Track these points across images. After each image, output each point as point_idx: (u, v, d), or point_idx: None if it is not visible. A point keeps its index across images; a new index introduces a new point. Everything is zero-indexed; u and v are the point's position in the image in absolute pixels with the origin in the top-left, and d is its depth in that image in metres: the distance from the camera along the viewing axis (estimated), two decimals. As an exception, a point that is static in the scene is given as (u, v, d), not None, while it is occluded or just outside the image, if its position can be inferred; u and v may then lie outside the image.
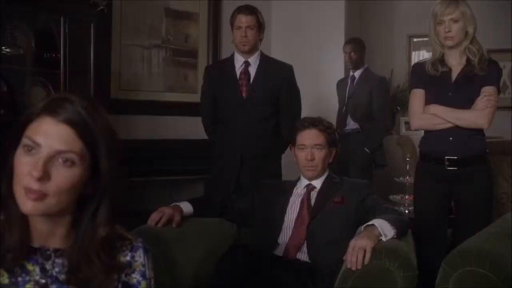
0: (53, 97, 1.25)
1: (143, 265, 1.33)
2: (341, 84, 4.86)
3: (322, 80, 5.02)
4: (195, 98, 3.64)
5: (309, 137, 2.59)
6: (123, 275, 1.29)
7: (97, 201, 1.25)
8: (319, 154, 2.58)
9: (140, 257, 1.33)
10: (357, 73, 4.73)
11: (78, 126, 1.20)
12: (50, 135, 1.18)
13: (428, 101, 2.76)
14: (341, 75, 5.03)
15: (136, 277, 1.31)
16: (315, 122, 2.61)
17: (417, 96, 2.80)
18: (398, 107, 6.05)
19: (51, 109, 1.20)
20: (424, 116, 2.76)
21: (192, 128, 3.91)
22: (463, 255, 1.93)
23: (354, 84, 4.72)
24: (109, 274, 1.25)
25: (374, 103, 4.58)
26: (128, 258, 1.31)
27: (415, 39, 6.44)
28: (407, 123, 6.05)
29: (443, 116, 2.70)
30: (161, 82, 4.45)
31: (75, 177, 1.20)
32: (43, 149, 1.18)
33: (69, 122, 1.19)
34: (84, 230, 1.25)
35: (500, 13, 5.70)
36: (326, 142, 2.60)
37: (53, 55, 3.19)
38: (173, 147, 4.24)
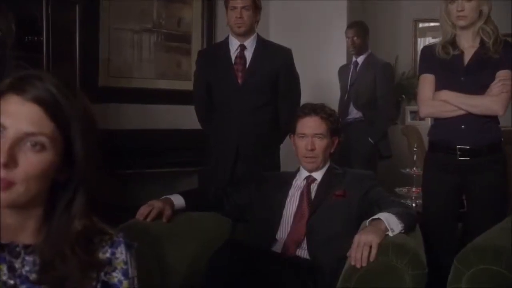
0: (20, 74, 1.16)
1: (125, 263, 1.25)
2: (343, 71, 4.82)
3: (323, 67, 4.96)
4: (189, 85, 3.62)
5: (310, 125, 2.55)
6: (102, 274, 1.21)
7: (72, 190, 1.18)
8: (320, 144, 2.54)
9: (121, 254, 1.25)
10: (360, 59, 4.69)
11: (49, 106, 1.12)
12: (16, 115, 1.10)
13: (438, 87, 2.71)
14: (343, 61, 4.99)
15: (117, 276, 1.24)
16: (317, 109, 2.57)
17: (426, 81, 2.75)
18: (403, 96, 6.04)
19: (18, 87, 1.13)
20: (434, 103, 2.72)
21: (186, 118, 3.88)
22: (477, 252, 1.90)
23: (357, 70, 4.67)
24: (86, 272, 1.17)
25: (378, 91, 4.53)
26: (108, 255, 1.23)
27: (420, 24, 6.44)
28: (412, 112, 6.12)
29: (454, 103, 2.65)
30: (152, 69, 4.39)
31: (45, 163, 1.12)
32: (9, 131, 1.10)
33: (38, 101, 1.11)
34: (57, 223, 1.17)
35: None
36: (328, 130, 2.56)
37: (35, 38, 3.12)
38: (166, 137, 4.22)
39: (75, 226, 1.18)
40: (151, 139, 4.13)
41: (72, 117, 1.15)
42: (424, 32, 6.41)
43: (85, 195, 1.19)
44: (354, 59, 4.74)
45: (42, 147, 1.11)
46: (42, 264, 1.16)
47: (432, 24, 6.33)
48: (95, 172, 1.20)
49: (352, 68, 4.71)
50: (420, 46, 6.04)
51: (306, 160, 2.56)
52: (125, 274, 1.25)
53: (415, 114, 6.05)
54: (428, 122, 5.69)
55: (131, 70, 4.29)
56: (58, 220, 1.18)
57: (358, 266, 1.96)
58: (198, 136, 3.44)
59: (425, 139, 4.38)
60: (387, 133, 4.68)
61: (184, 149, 4.14)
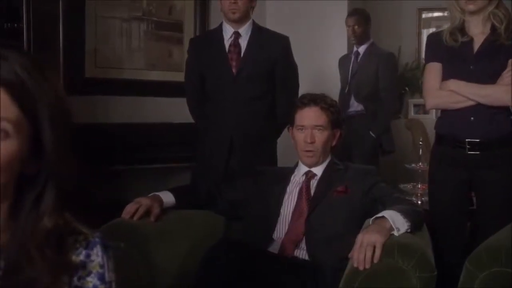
0: None
1: (101, 266, 1.17)
2: (343, 61, 4.76)
3: (322, 57, 4.88)
4: (181, 76, 3.56)
5: (309, 116, 2.52)
6: (75, 279, 1.13)
7: (41, 184, 1.10)
8: (320, 137, 2.51)
9: (97, 256, 1.17)
10: (361, 49, 4.63)
11: (14, 88, 1.04)
12: None
13: (446, 76, 2.66)
14: (343, 51, 4.94)
15: (92, 280, 1.16)
16: (317, 99, 2.54)
17: (433, 70, 2.71)
18: (407, 88, 6.02)
19: None
20: (441, 93, 2.66)
21: (178, 111, 3.83)
22: (491, 254, 1.87)
23: (358, 60, 4.62)
24: (56, 276, 1.09)
25: (380, 82, 4.46)
26: (82, 257, 1.15)
27: (424, 15, 6.43)
28: (416, 105, 6.12)
29: (463, 93, 2.60)
30: (142, 59, 4.31)
31: (10, 152, 1.04)
32: None
33: (2, 83, 1.03)
34: (24, 220, 1.10)
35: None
36: (329, 122, 2.53)
37: (15, 25, 3.06)
38: (157, 132, 4.16)
39: (45, 224, 1.10)
40: (141, 134, 4.08)
41: (41, 103, 1.07)
42: (429, 23, 6.40)
43: (55, 189, 1.11)
44: (355, 49, 4.69)
45: (6, 134, 1.03)
46: (7, 267, 1.09)
47: (436, 14, 6.36)
48: (66, 164, 1.11)
49: (353, 59, 4.67)
50: (424, 36, 6.06)
51: (305, 154, 2.52)
52: (101, 278, 1.17)
53: (418, 107, 6.09)
54: (433, 115, 5.74)
55: (119, 61, 4.21)
56: (25, 218, 1.10)
57: (361, 268, 1.92)
58: (192, 130, 3.40)
59: (430, 133, 4.39)
60: (389, 127, 4.64)
61: (176, 144, 4.10)
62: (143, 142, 4.06)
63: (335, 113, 2.56)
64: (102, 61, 4.09)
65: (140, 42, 4.29)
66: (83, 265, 1.15)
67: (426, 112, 5.93)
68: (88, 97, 3.83)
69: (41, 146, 1.08)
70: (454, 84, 2.62)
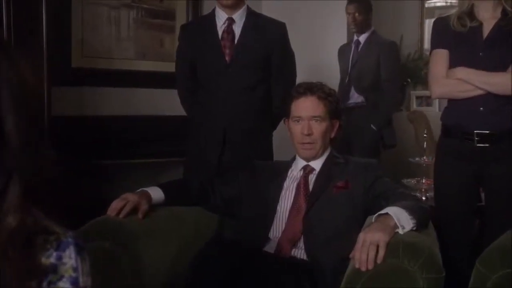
0: None
1: (75, 270, 1.11)
2: (343, 51, 4.74)
3: (321, 46, 4.88)
4: (173, 67, 3.51)
5: (306, 107, 2.48)
6: (44, 284, 1.08)
7: (4, 177, 1.04)
8: (318, 128, 2.47)
9: (70, 258, 1.11)
10: (362, 37, 4.62)
11: None
12: None
13: (453, 64, 2.63)
14: (343, 40, 4.92)
15: (64, 285, 1.10)
16: (314, 88, 2.50)
17: (439, 57, 2.67)
18: (409, 79, 6.01)
19: None
20: (448, 81, 2.63)
21: (171, 103, 3.80)
22: (503, 254, 1.85)
23: (359, 50, 4.60)
24: (23, 281, 1.04)
25: (382, 72, 4.45)
26: (52, 259, 1.09)
27: (427, 4, 6.44)
28: (418, 97, 6.15)
29: (471, 81, 2.56)
30: (131, 49, 4.29)
31: None
32: None
33: None
34: None
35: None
36: (327, 112, 2.49)
37: None
38: (148, 124, 4.18)
39: (9, 222, 1.05)
40: (131, 127, 4.07)
41: (1, 85, 1.01)
42: (432, 12, 6.39)
43: (21, 183, 1.05)
44: (355, 37, 4.67)
45: None
46: None
47: (439, 3, 6.40)
48: (33, 156, 1.06)
49: (353, 48, 4.65)
50: (427, 26, 6.19)
51: (302, 147, 2.49)
52: (74, 283, 1.11)
53: (421, 99, 6.14)
54: (436, 108, 5.78)
55: (108, 50, 4.19)
56: None
57: (363, 269, 1.88)
58: (185, 123, 3.36)
59: (433, 126, 4.36)
60: (391, 120, 4.63)
61: (169, 137, 4.07)
62: (134, 135, 4.05)
63: (334, 102, 2.52)
64: (90, 51, 4.08)
65: (129, 31, 4.28)
66: (53, 269, 1.10)
67: (429, 104, 6.00)
68: (75, 88, 3.85)
69: (3, 135, 1.03)
70: (462, 72, 2.59)
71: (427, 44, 5.98)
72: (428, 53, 5.77)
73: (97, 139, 3.76)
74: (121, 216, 2.27)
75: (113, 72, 4.17)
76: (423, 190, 3.60)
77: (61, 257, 1.10)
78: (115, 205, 2.29)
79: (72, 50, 3.94)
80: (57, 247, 1.11)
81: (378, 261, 1.87)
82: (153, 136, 4.13)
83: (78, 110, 3.87)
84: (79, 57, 4.00)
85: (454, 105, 2.70)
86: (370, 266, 1.86)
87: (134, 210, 2.31)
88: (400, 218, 2.00)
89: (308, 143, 2.46)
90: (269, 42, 3.09)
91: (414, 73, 5.93)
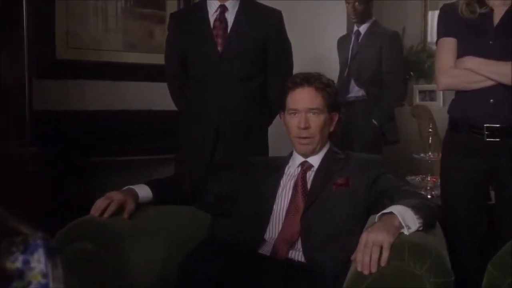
0: None
1: (44, 275, 1.08)
2: (343, 42, 4.73)
3: (319, 37, 4.86)
4: (163, 59, 3.50)
5: (302, 98, 2.45)
6: None
7: None
8: (316, 121, 2.44)
9: (39, 262, 1.07)
10: (362, 28, 4.60)
11: None
12: None
13: (461, 53, 2.60)
14: (343, 31, 4.92)
15: None
16: (311, 79, 2.47)
17: (446, 46, 2.63)
18: (411, 73, 5.99)
19: None
20: (456, 72, 2.60)
21: (161, 96, 3.80)
22: None
23: (359, 41, 4.59)
24: None
25: (384, 64, 4.43)
26: (18, 264, 1.06)
27: None
28: (422, 92, 6.14)
29: (481, 71, 2.53)
30: (120, 40, 4.30)
31: None
32: None
33: None
34: None
35: None
36: (325, 104, 2.46)
37: None
38: (138, 120, 4.18)
39: None
40: (119, 122, 4.09)
41: None
42: (436, 3, 6.25)
43: None
44: (355, 28, 4.66)
45: None
46: None
47: None
48: None
49: (353, 39, 4.64)
50: (430, 17, 6.16)
51: (299, 142, 2.46)
52: None
53: (424, 94, 6.14)
54: (440, 102, 5.76)
55: (95, 41, 4.20)
56: None
57: (365, 272, 1.84)
58: (176, 118, 3.37)
59: (438, 122, 4.33)
60: (394, 115, 4.63)
61: (160, 133, 4.09)
62: (123, 131, 4.05)
63: (332, 94, 2.49)
64: (76, 42, 4.08)
65: (117, 21, 4.28)
66: (19, 274, 1.07)
67: (432, 99, 6.00)
68: (60, 81, 3.87)
69: None
70: (471, 62, 2.56)
71: (430, 37, 5.98)
72: (432, 46, 5.78)
73: (83, 136, 3.79)
74: (105, 216, 2.25)
75: (100, 64, 4.17)
76: (428, 188, 3.60)
77: (29, 262, 1.07)
78: (99, 204, 2.28)
79: (56, 41, 3.95)
80: (24, 250, 1.07)
81: (382, 264, 1.84)
82: (144, 132, 4.13)
83: (64, 105, 3.87)
84: (65, 49, 4.00)
85: (462, 97, 2.66)
86: (374, 269, 1.83)
87: (120, 209, 2.29)
88: (405, 217, 1.97)
89: (306, 137, 2.43)
90: (264, 30, 3.07)
91: (417, 66, 5.92)
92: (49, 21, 3.83)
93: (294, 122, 2.44)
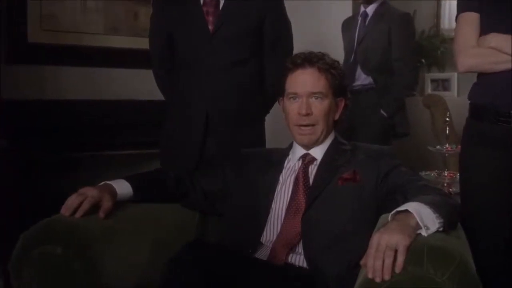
0: None
1: None
2: (348, 24, 4.66)
3: (323, 19, 4.89)
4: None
5: (303, 81, 2.38)
6: None
7: None
8: (319, 107, 2.38)
9: None
10: (370, 9, 4.51)
11: None
12: None
13: (485, 30, 2.50)
14: (348, 12, 4.91)
15: None
16: (313, 58, 2.40)
17: (468, 22, 2.53)
18: (423, 60, 6.00)
19: None
20: (479, 51, 2.49)
21: (148, 85, 3.74)
22: None
23: (366, 23, 4.50)
24: None
25: (394, 49, 4.35)
26: None
27: None
28: (434, 80, 6.16)
29: (507, 51, 2.43)
30: (101, 22, 4.33)
31: None
32: None
33: None
34: None
35: None
36: (330, 88, 2.40)
37: None
38: (121, 110, 4.18)
39: None
40: (101, 113, 4.08)
41: None
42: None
43: None
44: (362, 9, 4.58)
45: None
46: None
47: None
48: None
49: (360, 21, 4.55)
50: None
51: (300, 131, 2.40)
52: None
53: (437, 83, 6.15)
54: (455, 92, 5.71)
55: (73, 23, 4.20)
56: None
57: (377, 279, 1.77)
58: (163, 108, 3.33)
59: (453, 113, 4.27)
60: (404, 105, 4.56)
61: (146, 125, 4.06)
62: (104, 123, 4.06)
63: (338, 76, 2.43)
64: (51, 24, 4.07)
65: (98, 1, 4.28)
66: None
67: (446, 88, 6.00)
68: (34, 67, 3.86)
69: None
70: (496, 39, 2.45)
71: (445, 22, 5.91)
72: (445, 32, 5.69)
73: (61, 128, 3.82)
74: (77, 215, 2.19)
75: (79, 48, 4.15)
76: (445, 184, 3.57)
77: None
78: (71, 202, 2.22)
79: (28, 23, 3.93)
80: None
81: (397, 270, 1.76)
82: (129, 124, 4.14)
83: (38, 93, 3.88)
84: (38, 31, 3.99)
85: (485, 81, 2.56)
86: (387, 276, 1.75)
87: (95, 208, 2.24)
88: (423, 216, 1.89)
89: (307, 125, 2.38)
90: (260, 7, 3.03)
91: (429, 53, 5.92)
92: (20, 1, 3.82)
93: (294, 108, 2.38)
